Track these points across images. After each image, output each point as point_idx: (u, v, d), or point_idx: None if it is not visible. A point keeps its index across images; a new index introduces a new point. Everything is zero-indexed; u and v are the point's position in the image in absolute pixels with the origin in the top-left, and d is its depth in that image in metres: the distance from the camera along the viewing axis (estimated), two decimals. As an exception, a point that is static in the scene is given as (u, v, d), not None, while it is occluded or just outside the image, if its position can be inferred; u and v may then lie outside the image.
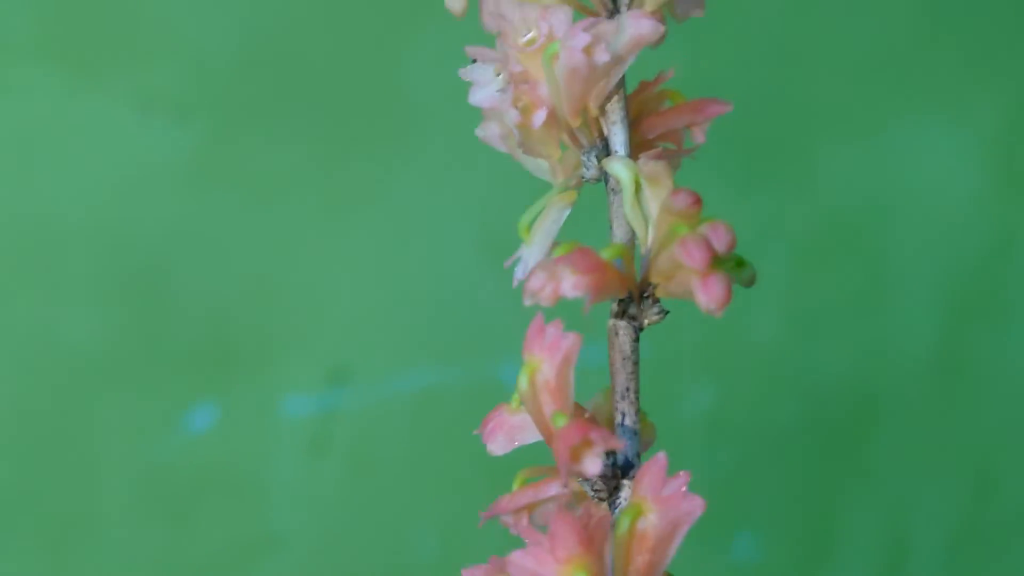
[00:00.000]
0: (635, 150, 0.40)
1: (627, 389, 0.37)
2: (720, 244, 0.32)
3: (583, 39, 0.35)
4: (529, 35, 0.37)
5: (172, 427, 0.81)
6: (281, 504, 0.85)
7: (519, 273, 0.41)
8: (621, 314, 0.37)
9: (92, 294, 0.80)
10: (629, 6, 0.38)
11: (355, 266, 0.86)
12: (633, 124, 0.40)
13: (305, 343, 0.85)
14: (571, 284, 0.32)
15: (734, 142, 0.93)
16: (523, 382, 0.35)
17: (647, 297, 0.36)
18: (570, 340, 0.35)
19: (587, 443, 0.31)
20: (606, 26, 0.36)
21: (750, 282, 0.39)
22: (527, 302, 0.34)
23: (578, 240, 0.39)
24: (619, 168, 0.37)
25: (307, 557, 0.86)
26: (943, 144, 0.98)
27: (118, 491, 0.81)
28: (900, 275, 0.97)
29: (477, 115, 0.83)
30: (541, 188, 0.42)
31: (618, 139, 0.38)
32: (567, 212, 0.41)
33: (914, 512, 0.99)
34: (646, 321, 0.37)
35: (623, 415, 0.36)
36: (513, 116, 0.37)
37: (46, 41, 0.77)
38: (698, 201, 0.33)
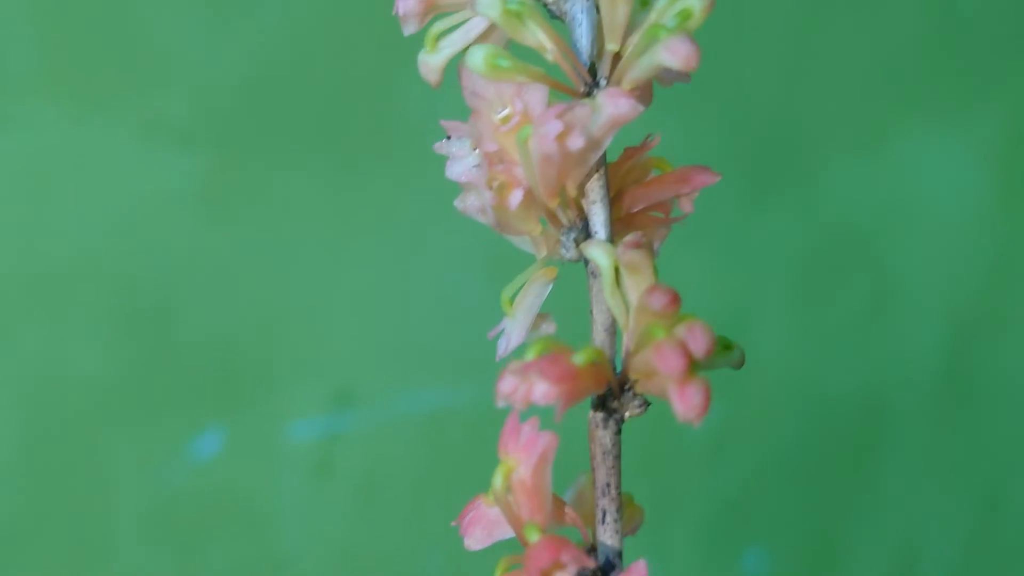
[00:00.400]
0: (618, 224, 0.39)
1: (608, 485, 0.35)
2: (698, 348, 0.31)
3: (555, 127, 0.33)
4: (504, 112, 0.36)
5: (179, 455, 0.81)
6: (289, 528, 0.85)
7: (501, 347, 0.40)
8: (600, 406, 0.35)
9: (98, 324, 0.79)
10: (608, 80, 0.36)
11: (359, 290, 0.85)
12: (616, 197, 0.39)
13: (310, 368, 0.84)
14: (542, 393, 0.31)
15: (739, 158, 0.92)
16: (498, 481, 0.34)
17: (628, 389, 0.35)
18: (546, 440, 0.33)
19: (558, 565, 0.30)
20: (581, 110, 0.34)
21: (739, 364, 0.38)
22: (499, 404, 0.33)
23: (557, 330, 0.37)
24: (598, 254, 0.35)
25: (315, 580, 0.85)
26: (947, 158, 0.97)
27: (128, 519, 0.81)
28: (905, 289, 0.97)
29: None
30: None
31: (598, 219, 0.37)
32: (549, 288, 0.39)
33: (923, 526, 0.98)
34: (627, 414, 0.35)
35: (604, 513, 0.35)
36: (488, 197, 0.36)
37: (50, 72, 0.77)
38: (675, 300, 0.32)
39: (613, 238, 0.38)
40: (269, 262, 0.83)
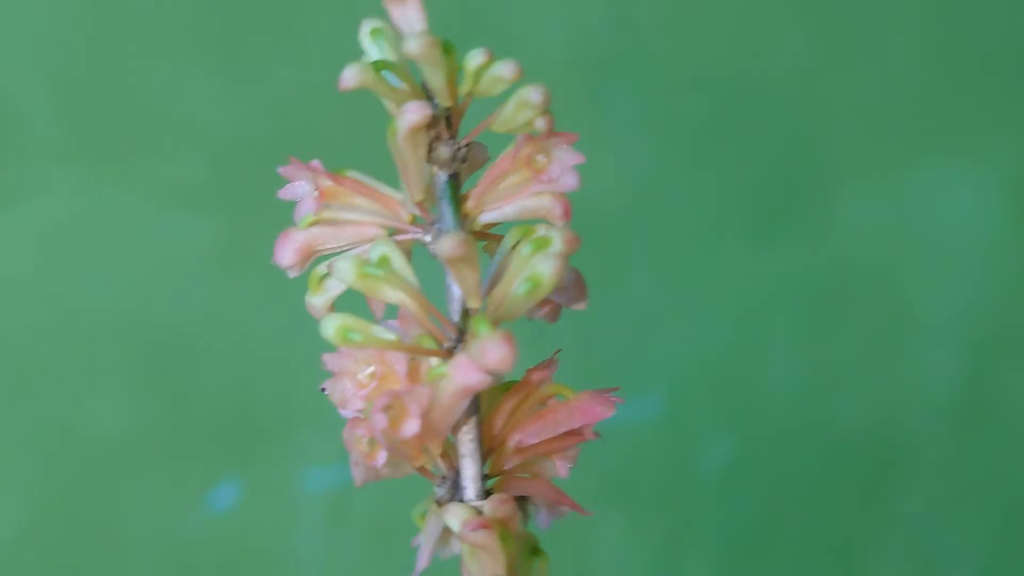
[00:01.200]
0: (508, 458, 0.38)
1: None
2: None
3: (379, 421, 0.33)
4: (369, 369, 0.36)
5: (198, 505, 0.83)
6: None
7: (419, 560, 0.40)
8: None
9: (118, 380, 0.81)
10: (475, 334, 0.35)
11: None
12: (504, 431, 0.38)
13: (324, 418, 0.86)
14: None
15: (751, 189, 0.91)
16: None
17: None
18: None
19: None
20: (419, 392, 0.34)
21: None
22: None
23: None
24: (453, 522, 0.35)
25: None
26: (960, 188, 0.95)
27: (147, 569, 0.83)
28: (919, 320, 0.95)
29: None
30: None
31: (467, 474, 0.36)
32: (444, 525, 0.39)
33: (941, 556, 0.96)
34: None
35: None
36: (355, 455, 0.36)
37: (68, 140, 0.79)
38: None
39: (501, 479, 0.37)
40: (282, 316, 0.84)
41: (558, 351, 0.40)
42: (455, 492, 0.37)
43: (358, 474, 0.37)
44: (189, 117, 0.81)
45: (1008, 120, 0.96)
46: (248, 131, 0.82)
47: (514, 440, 0.38)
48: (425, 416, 0.34)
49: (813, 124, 0.92)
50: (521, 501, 0.40)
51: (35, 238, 0.79)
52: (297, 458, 0.85)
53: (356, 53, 0.84)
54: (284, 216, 0.83)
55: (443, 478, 0.37)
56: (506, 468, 0.38)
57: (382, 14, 0.38)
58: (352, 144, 0.85)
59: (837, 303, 0.94)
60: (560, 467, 0.40)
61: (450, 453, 0.37)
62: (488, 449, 0.38)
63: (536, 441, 0.38)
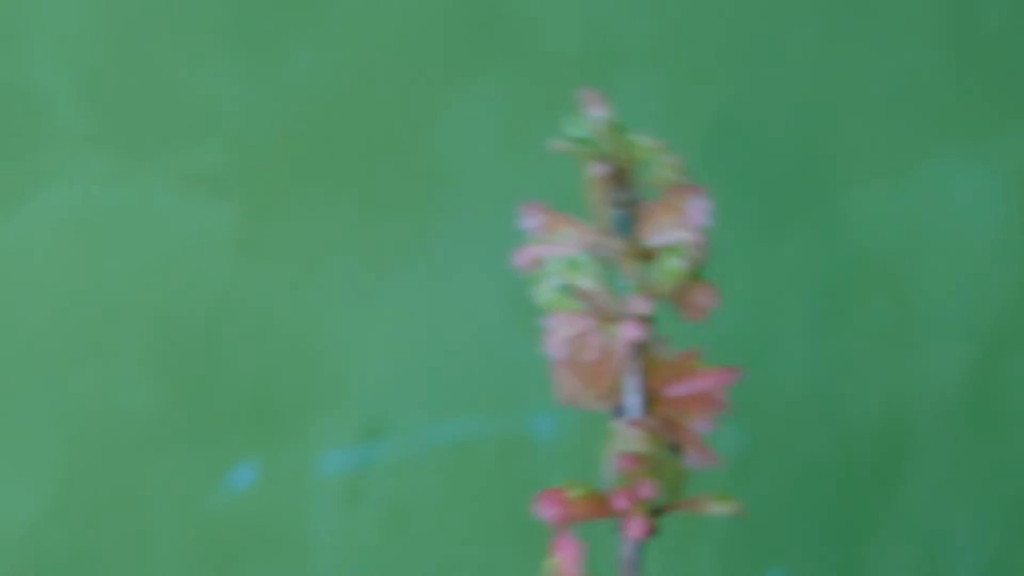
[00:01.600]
0: (660, 407, 0.57)
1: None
2: (645, 495, 0.49)
3: (563, 353, 0.52)
4: (571, 330, 0.55)
5: (217, 486, 0.85)
6: (320, 556, 0.87)
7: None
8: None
9: (141, 362, 0.83)
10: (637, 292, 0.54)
11: (388, 327, 0.88)
12: (660, 386, 0.57)
13: (341, 401, 0.87)
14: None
15: (763, 183, 0.94)
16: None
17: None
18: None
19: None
20: (594, 336, 0.53)
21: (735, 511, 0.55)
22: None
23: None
24: (615, 426, 0.54)
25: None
26: (970, 182, 0.96)
27: (168, 547, 0.85)
28: (929, 312, 0.96)
29: (505, 177, 0.89)
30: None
31: (631, 403, 0.55)
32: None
33: (946, 547, 0.96)
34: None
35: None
36: (561, 381, 0.55)
37: (95, 129, 0.81)
38: (635, 462, 0.50)
39: (647, 417, 0.56)
40: (301, 301, 0.86)
41: (698, 347, 0.58)
42: (622, 414, 0.55)
43: (561, 395, 0.56)
44: (211, 105, 0.83)
45: (1019, 116, 0.99)
46: (270, 119, 0.84)
47: (666, 392, 0.57)
48: (603, 355, 0.54)
49: (824, 117, 0.95)
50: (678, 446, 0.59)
51: (61, 224, 0.81)
52: (314, 440, 0.87)
53: (374, 41, 0.83)
54: (303, 203, 0.86)
55: (615, 408, 0.56)
56: (664, 414, 0.57)
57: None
58: (370, 128, 0.88)
59: (847, 295, 0.96)
60: (700, 425, 0.58)
61: (621, 393, 0.56)
62: (650, 398, 0.57)
63: (679, 394, 0.57)
